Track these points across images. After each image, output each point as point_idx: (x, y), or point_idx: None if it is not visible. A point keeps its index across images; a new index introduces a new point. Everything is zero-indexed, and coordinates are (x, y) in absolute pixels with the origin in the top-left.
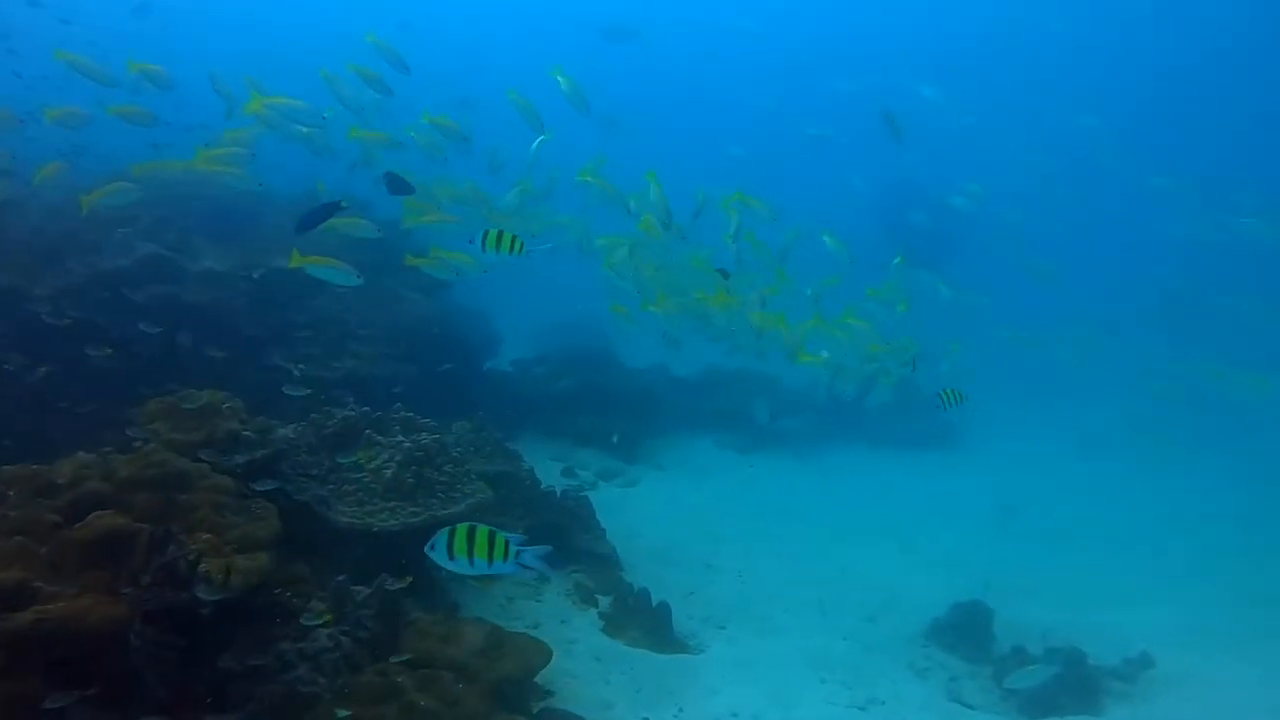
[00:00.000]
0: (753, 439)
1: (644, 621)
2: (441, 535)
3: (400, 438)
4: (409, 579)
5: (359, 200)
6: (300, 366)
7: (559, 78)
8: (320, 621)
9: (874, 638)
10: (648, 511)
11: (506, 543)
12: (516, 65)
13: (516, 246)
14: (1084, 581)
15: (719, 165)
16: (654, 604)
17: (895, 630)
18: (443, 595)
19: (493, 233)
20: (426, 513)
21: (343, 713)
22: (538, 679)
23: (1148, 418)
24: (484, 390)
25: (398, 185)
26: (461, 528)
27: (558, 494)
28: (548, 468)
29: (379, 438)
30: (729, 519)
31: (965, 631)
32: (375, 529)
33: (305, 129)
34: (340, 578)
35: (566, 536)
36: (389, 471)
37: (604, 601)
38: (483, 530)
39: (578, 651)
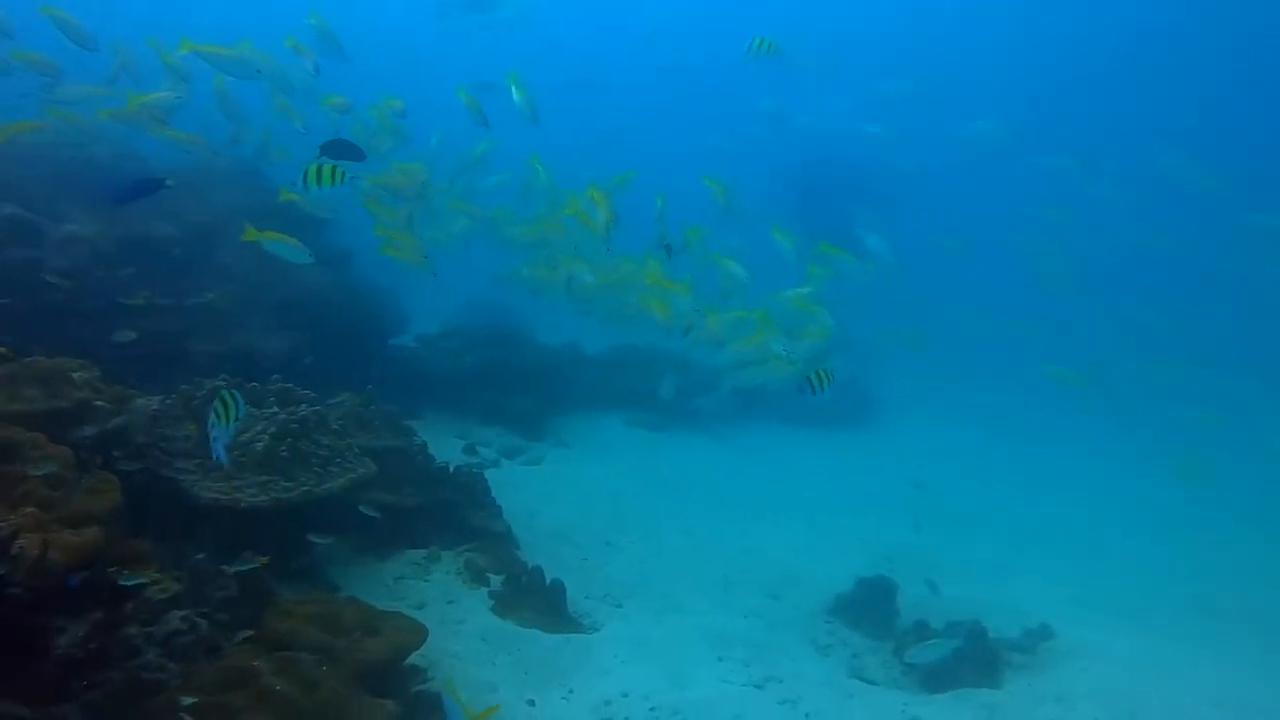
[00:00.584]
0: (666, 417)
1: (537, 601)
2: None
3: (275, 410)
4: (265, 558)
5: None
6: (131, 334)
7: (512, 86)
8: (141, 581)
9: (777, 615)
10: (550, 489)
11: None
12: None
13: (338, 177)
14: (989, 557)
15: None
16: (548, 582)
17: (799, 607)
18: (322, 575)
19: (313, 168)
20: (301, 488)
21: (188, 700)
22: (418, 661)
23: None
24: (387, 366)
25: (343, 150)
26: None
27: (451, 470)
28: (450, 445)
29: (250, 409)
30: (635, 497)
31: (869, 607)
32: (243, 505)
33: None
34: (199, 556)
35: (459, 514)
36: (261, 445)
37: (496, 581)
38: None
39: (464, 632)
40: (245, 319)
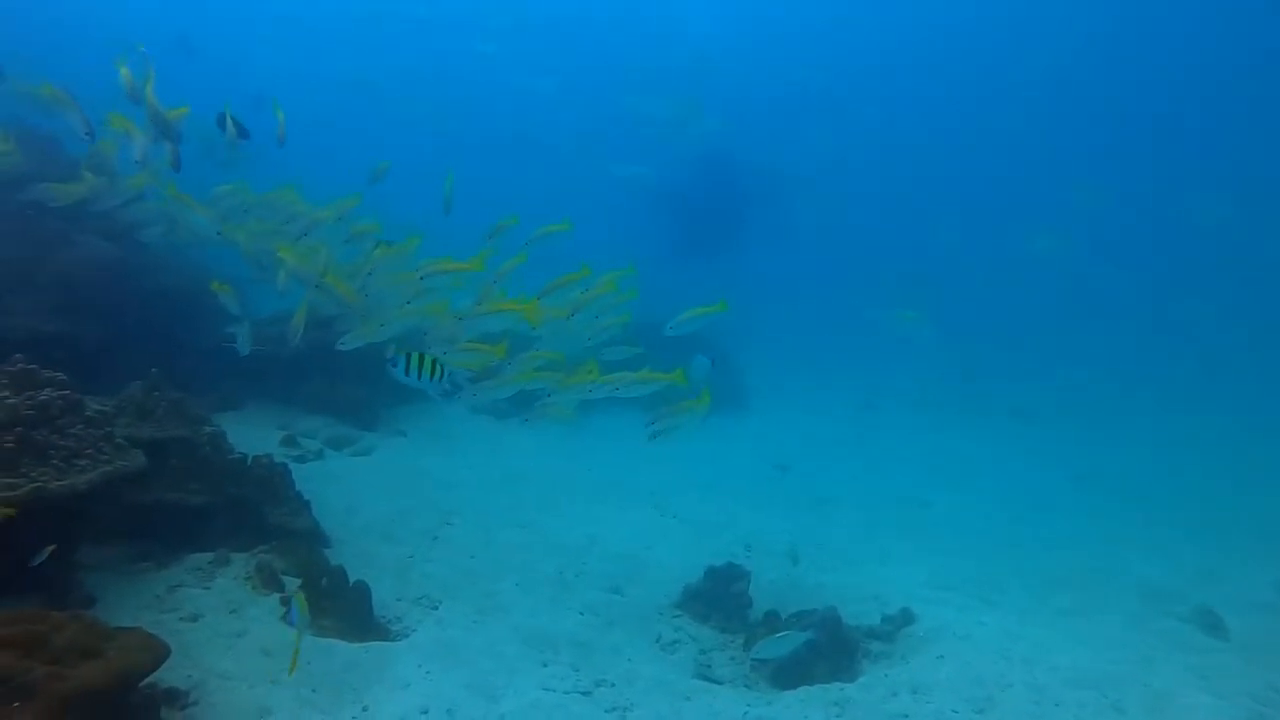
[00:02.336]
0: (513, 404)
1: (338, 606)
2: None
3: (6, 394)
4: None
5: None
6: None
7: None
8: None
9: (616, 611)
10: (376, 482)
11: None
12: None
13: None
14: (851, 542)
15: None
16: (351, 584)
17: (642, 602)
18: (72, 588)
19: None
20: (30, 484)
21: None
22: (180, 683)
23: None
24: (198, 352)
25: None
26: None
27: (248, 463)
28: (270, 436)
29: None
30: (469, 488)
31: (719, 599)
32: None
33: None
34: None
35: (256, 512)
36: None
37: (292, 585)
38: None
39: (243, 647)
40: (10, 301)
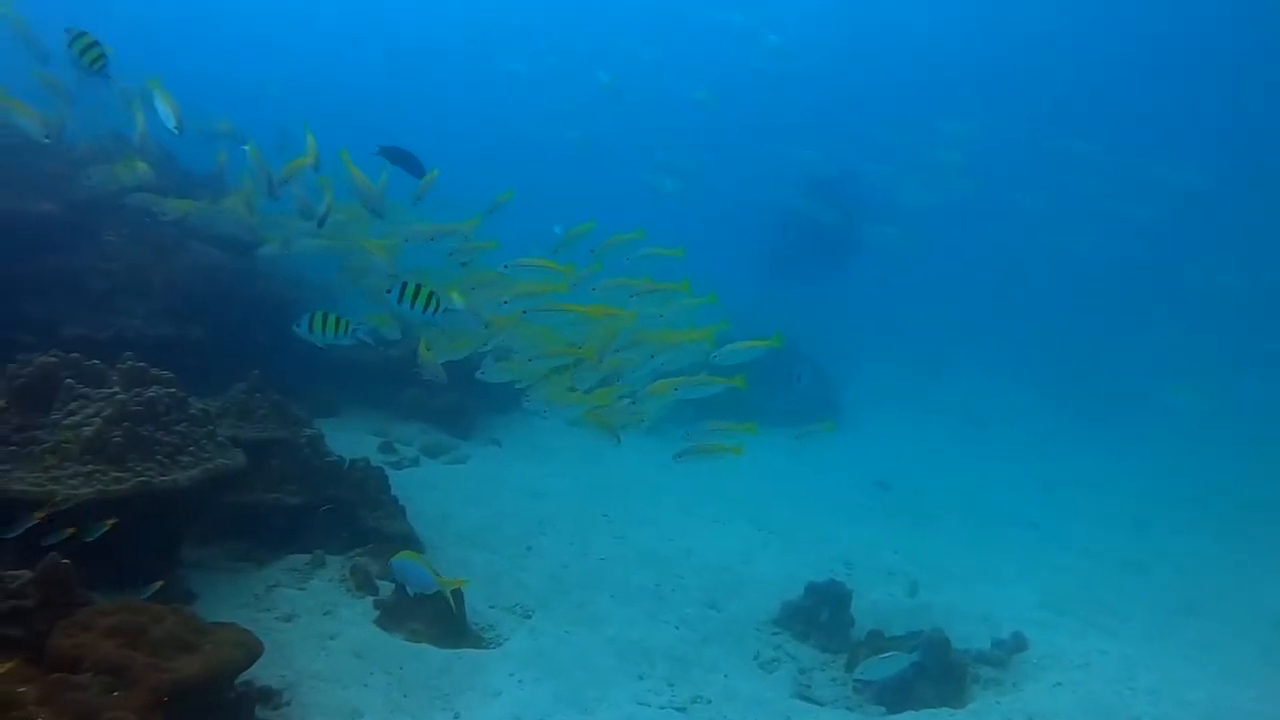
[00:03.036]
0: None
1: (430, 611)
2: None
3: (116, 390)
4: (63, 560)
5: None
6: None
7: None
8: None
9: (713, 626)
10: (470, 490)
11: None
12: None
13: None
14: (953, 560)
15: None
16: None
17: (740, 617)
18: (179, 583)
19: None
20: (135, 479)
21: None
22: (274, 683)
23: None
24: (298, 358)
25: (399, 157)
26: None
27: (345, 466)
28: (366, 442)
29: (83, 389)
30: (563, 498)
31: (819, 617)
32: (59, 499)
33: None
34: None
35: (352, 515)
36: (90, 428)
37: (386, 588)
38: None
39: (335, 648)
40: (127, 303)
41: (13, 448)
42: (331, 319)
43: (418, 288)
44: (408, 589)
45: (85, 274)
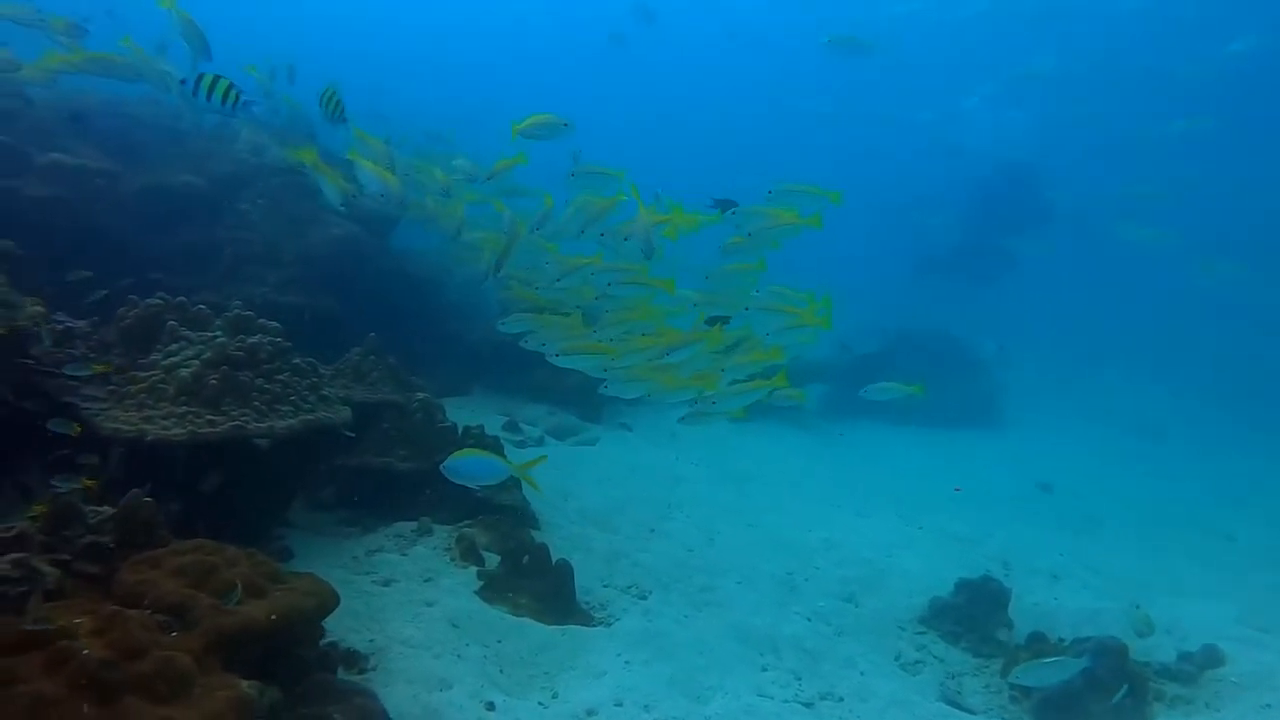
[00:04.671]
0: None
1: (537, 585)
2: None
3: (218, 334)
4: (145, 497)
5: None
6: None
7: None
8: None
9: (850, 620)
10: (595, 471)
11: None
12: None
13: (231, 97)
14: (1128, 567)
15: None
16: (554, 563)
17: (881, 613)
18: (277, 539)
19: (208, 78)
20: (230, 423)
21: None
22: (360, 645)
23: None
24: (427, 337)
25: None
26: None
27: (459, 432)
28: (491, 421)
29: (185, 331)
30: (693, 484)
31: (972, 617)
32: (149, 438)
33: None
34: (64, 488)
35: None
36: (188, 370)
37: (492, 560)
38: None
39: (430, 615)
40: (258, 271)
41: (112, 387)
42: (222, 84)
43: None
44: (473, 486)
45: (221, 244)
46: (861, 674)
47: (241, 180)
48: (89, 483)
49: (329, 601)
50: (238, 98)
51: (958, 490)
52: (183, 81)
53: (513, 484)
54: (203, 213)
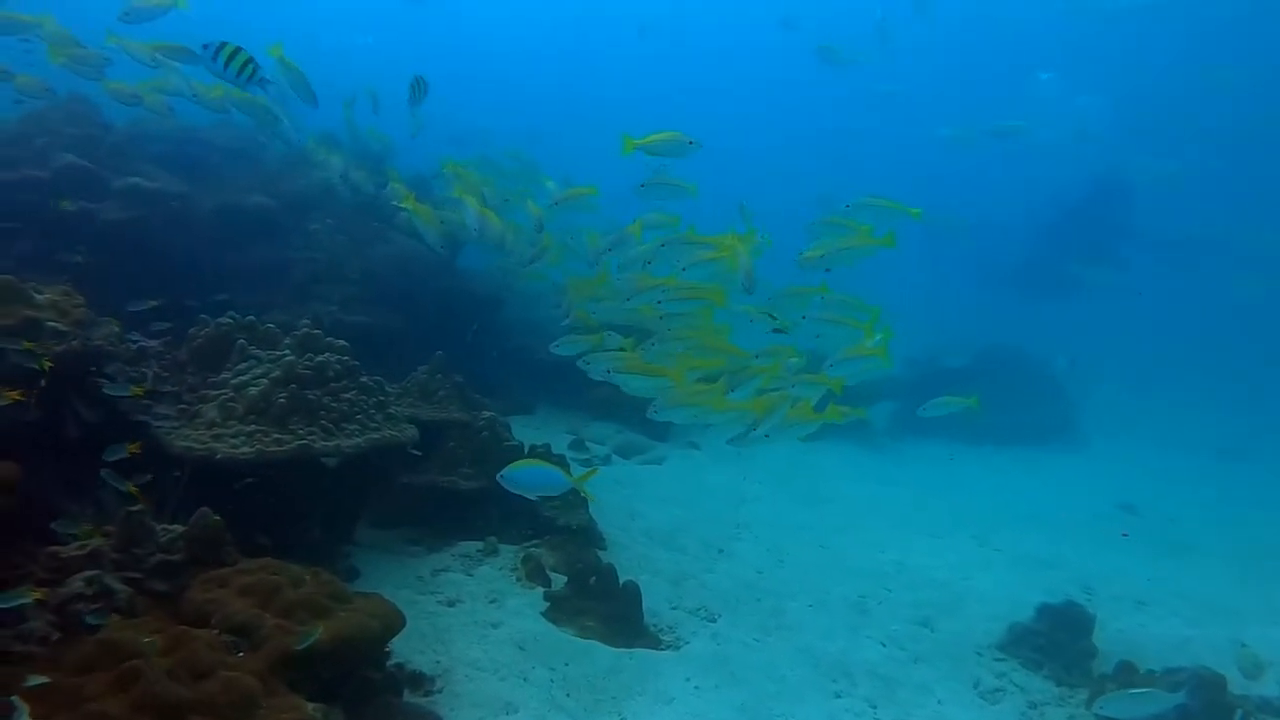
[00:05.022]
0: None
1: (604, 607)
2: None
3: (286, 352)
4: (214, 515)
5: None
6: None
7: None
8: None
9: (926, 646)
10: (662, 490)
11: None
12: None
13: (247, 71)
14: (1218, 593)
15: None
16: (621, 585)
17: (958, 638)
18: (344, 558)
19: (229, 47)
20: (297, 441)
21: (35, 680)
22: (426, 668)
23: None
24: (492, 355)
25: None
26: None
27: (525, 451)
28: (557, 440)
29: (254, 350)
30: (762, 504)
31: (1055, 643)
32: (218, 456)
33: None
34: (136, 507)
35: (530, 504)
36: (256, 389)
37: (559, 581)
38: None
39: (496, 638)
40: (326, 290)
41: (183, 405)
42: (241, 56)
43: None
44: (530, 496)
45: (291, 264)
46: (939, 702)
47: (312, 201)
48: (133, 489)
49: (395, 623)
50: (254, 72)
51: (1125, 536)
52: (205, 46)
53: (579, 503)
54: (274, 233)
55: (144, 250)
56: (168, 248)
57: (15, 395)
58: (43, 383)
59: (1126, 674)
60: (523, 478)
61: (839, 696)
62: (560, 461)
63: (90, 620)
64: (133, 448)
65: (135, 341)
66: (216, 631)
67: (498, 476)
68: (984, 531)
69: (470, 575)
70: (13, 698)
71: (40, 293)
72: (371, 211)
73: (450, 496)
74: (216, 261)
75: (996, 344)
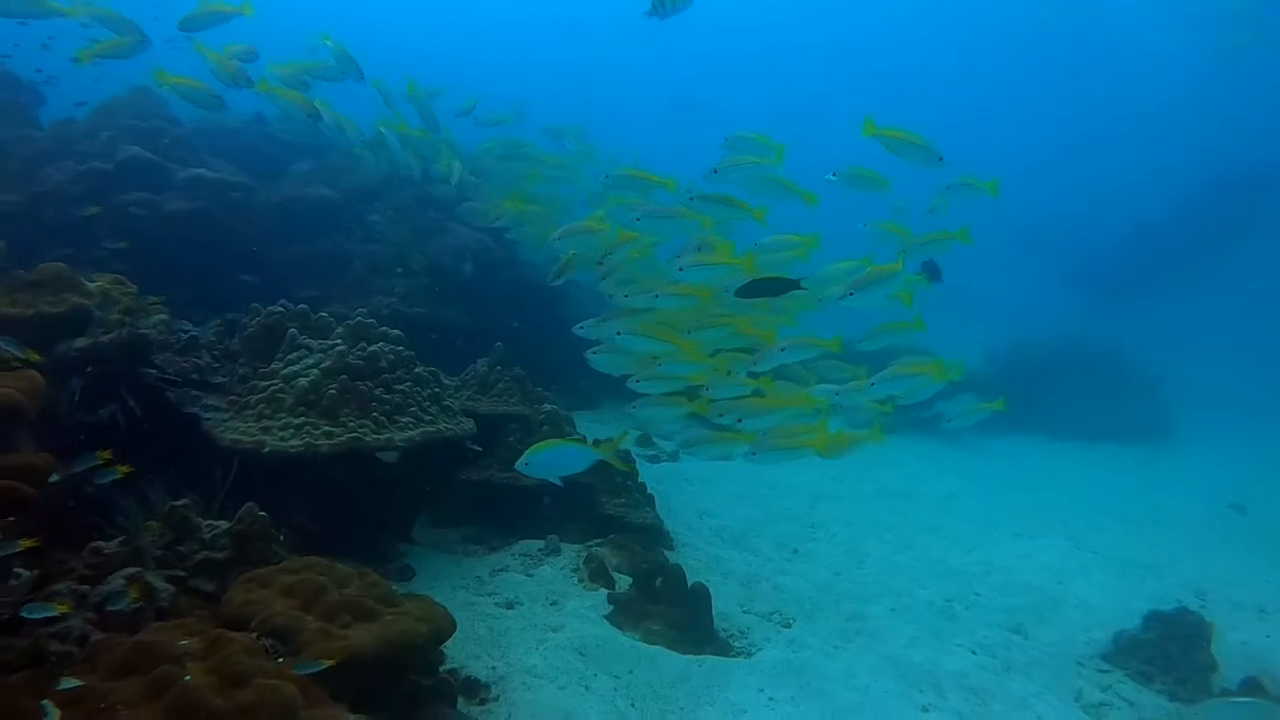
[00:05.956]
0: (899, 420)
1: (672, 611)
2: None
3: (338, 342)
4: (259, 511)
5: None
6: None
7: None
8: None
9: (1021, 654)
10: (734, 488)
11: None
12: None
13: None
14: None
15: None
16: (689, 586)
17: (1056, 647)
18: (398, 558)
19: None
20: (347, 434)
21: (69, 683)
22: (480, 674)
23: None
24: (557, 349)
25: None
26: None
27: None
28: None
29: (305, 339)
30: (840, 502)
31: (1167, 654)
32: (267, 449)
33: None
34: (180, 502)
35: (594, 501)
36: (306, 379)
37: (623, 582)
38: None
39: (556, 642)
40: (385, 282)
41: (234, 396)
42: None
43: None
44: (553, 479)
45: (351, 256)
46: (1038, 717)
47: (372, 193)
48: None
49: (445, 627)
50: None
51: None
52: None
53: (644, 501)
54: (335, 224)
55: (206, 241)
56: (230, 239)
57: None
58: (89, 369)
59: (1254, 691)
60: (541, 461)
61: (927, 710)
62: (626, 457)
63: (112, 606)
64: (104, 454)
65: (186, 331)
66: (256, 635)
67: (516, 466)
68: (1078, 532)
69: (530, 576)
70: (44, 702)
71: (92, 280)
72: (430, 202)
73: (511, 493)
74: (279, 252)
75: (1083, 337)
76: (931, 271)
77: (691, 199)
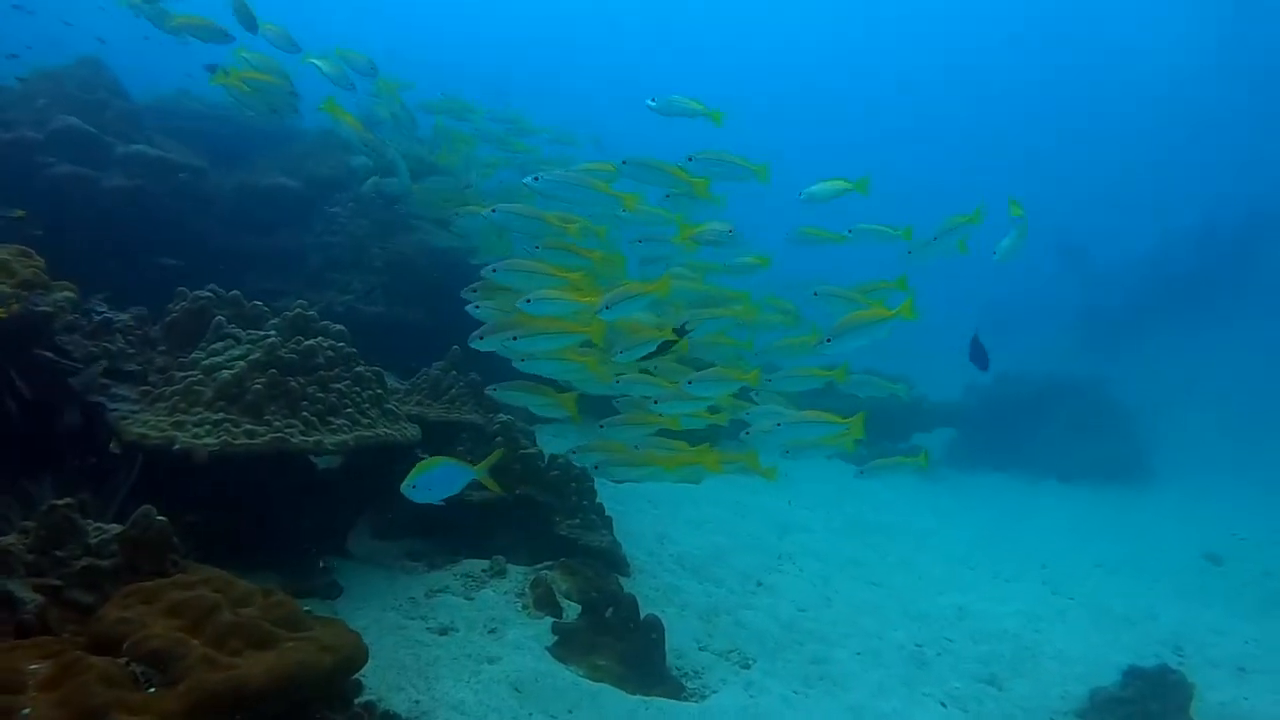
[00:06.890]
0: (877, 452)
1: (621, 644)
2: None
3: (271, 334)
4: (158, 516)
5: None
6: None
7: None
8: None
9: (992, 708)
10: (698, 513)
11: None
12: None
13: None
14: None
15: None
16: (643, 618)
17: (1029, 701)
18: (323, 574)
19: None
20: (271, 434)
21: None
22: (405, 710)
23: None
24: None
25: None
26: None
27: (544, 461)
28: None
29: (233, 329)
30: (808, 533)
31: (1147, 713)
32: (177, 446)
33: None
34: (63, 501)
35: (544, 520)
36: (230, 372)
37: (571, 610)
38: None
39: (491, 676)
40: (343, 278)
41: (145, 388)
42: None
43: None
44: (438, 502)
45: (309, 249)
46: None
47: (337, 184)
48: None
49: (356, 657)
50: None
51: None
52: None
53: (601, 523)
54: (293, 216)
55: (145, 222)
56: (173, 222)
57: None
58: None
59: None
60: (427, 482)
61: None
62: (584, 476)
63: None
64: None
65: (99, 312)
66: (126, 660)
67: (401, 489)
68: (1055, 576)
69: (470, 599)
70: None
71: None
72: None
73: (458, 507)
74: (229, 240)
75: (1069, 374)
76: (979, 356)
77: (690, 159)
